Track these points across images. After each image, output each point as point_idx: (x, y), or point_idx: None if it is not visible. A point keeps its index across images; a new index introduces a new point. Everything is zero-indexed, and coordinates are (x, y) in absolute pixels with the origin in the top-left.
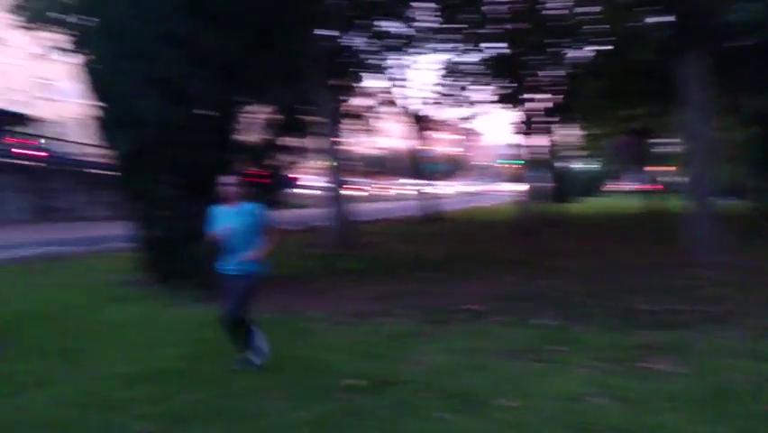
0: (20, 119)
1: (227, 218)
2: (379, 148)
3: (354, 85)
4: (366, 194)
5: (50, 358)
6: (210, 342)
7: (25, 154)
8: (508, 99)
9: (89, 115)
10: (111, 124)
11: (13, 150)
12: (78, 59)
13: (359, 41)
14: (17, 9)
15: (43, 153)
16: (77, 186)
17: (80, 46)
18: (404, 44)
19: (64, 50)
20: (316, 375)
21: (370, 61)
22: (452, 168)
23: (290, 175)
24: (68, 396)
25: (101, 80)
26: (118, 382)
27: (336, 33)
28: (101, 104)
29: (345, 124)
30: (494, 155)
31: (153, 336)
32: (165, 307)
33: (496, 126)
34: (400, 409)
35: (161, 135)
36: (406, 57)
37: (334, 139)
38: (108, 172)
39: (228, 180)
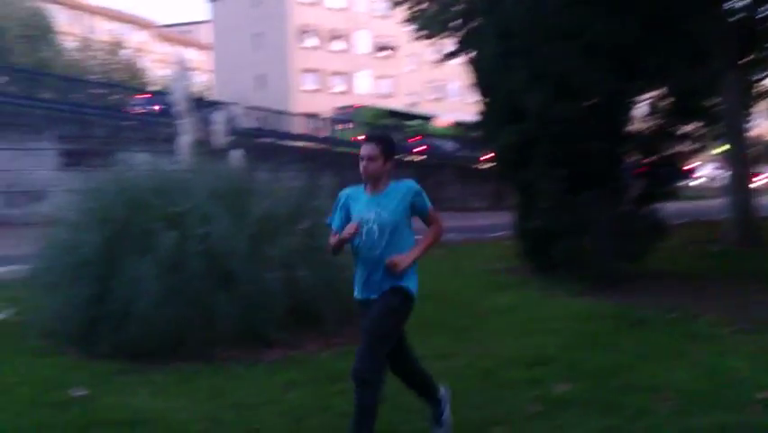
0: (422, 119)
1: (364, 208)
2: None
3: None
4: None
5: (444, 334)
6: (586, 335)
7: (416, 151)
8: None
9: (475, 112)
10: (495, 119)
11: (413, 149)
12: (466, 59)
13: None
14: (411, 20)
15: (424, 148)
16: (455, 178)
17: (468, 47)
18: None
19: (452, 53)
20: (720, 384)
21: None
22: None
23: (685, 165)
24: (462, 370)
25: (488, 78)
26: (505, 363)
27: (752, 4)
28: (486, 100)
29: (755, 106)
30: None
31: (532, 323)
32: (542, 297)
33: None
34: None
35: (546, 128)
36: None
37: (740, 123)
38: (484, 165)
39: (368, 150)
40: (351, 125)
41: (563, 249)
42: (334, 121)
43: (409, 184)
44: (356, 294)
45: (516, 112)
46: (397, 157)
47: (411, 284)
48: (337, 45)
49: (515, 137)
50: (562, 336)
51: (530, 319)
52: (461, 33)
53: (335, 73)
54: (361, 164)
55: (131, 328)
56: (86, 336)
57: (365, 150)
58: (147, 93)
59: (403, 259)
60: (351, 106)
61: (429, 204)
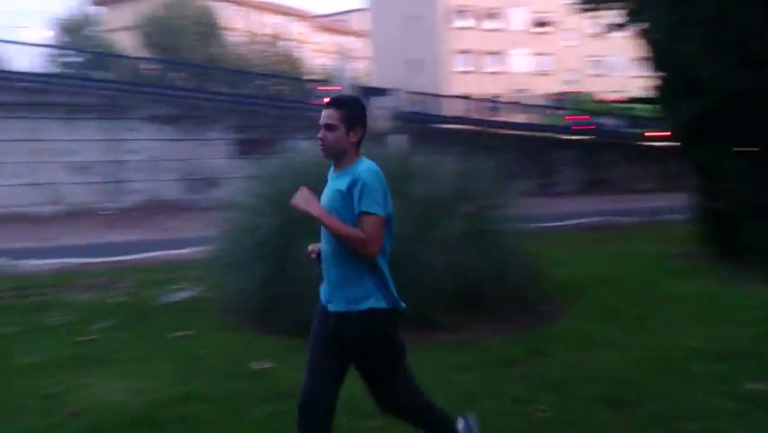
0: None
1: (325, 192)
2: None
3: None
4: None
5: (614, 321)
6: None
7: (578, 129)
8: None
9: (648, 87)
10: (672, 93)
11: (573, 126)
12: (633, 31)
13: None
14: None
15: (591, 127)
16: (624, 158)
17: (636, 18)
18: None
19: (617, 25)
20: None
21: None
22: None
23: None
24: (641, 360)
25: (661, 49)
26: (688, 355)
27: None
28: (661, 73)
29: None
30: None
31: (717, 313)
32: (727, 284)
33: None
34: None
35: (730, 101)
36: None
37: None
38: (650, 143)
39: (325, 116)
40: (562, 111)
41: (752, 233)
42: (548, 107)
43: (367, 166)
44: (321, 295)
45: (695, 85)
46: (364, 127)
47: (371, 302)
48: (490, 24)
49: (694, 112)
50: (754, 329)
51: (714, 309)
52: (628, 4)
53: (489, 53)
54: (318, 135)
55: (304, 307)
56: (264, 313)
57: (322, 116)
58: (331, 85)
59: (314, 204)
60: (564, 93)
61: (368, 208)
